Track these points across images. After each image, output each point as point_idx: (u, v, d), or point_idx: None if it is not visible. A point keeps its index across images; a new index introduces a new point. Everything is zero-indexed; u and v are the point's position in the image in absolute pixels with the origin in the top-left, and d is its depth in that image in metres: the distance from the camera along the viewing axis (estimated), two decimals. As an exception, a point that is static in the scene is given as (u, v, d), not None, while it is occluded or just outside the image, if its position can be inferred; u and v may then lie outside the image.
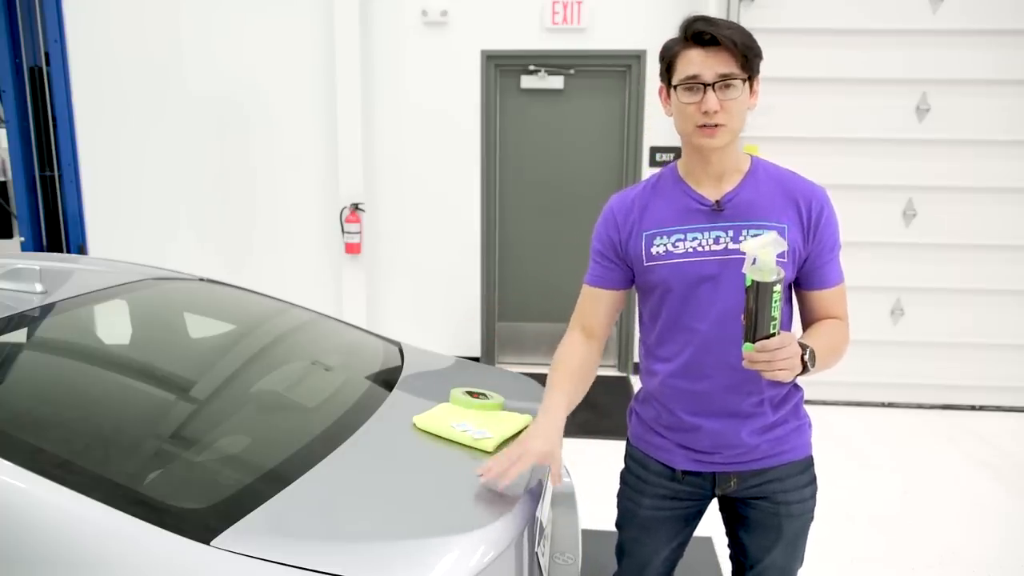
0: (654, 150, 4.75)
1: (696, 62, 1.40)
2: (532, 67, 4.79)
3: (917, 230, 4.45)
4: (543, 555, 1.64)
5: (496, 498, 1.41)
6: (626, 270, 1.58)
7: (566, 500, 2.12)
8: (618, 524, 1.76)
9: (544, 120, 4.91)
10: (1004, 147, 4.33)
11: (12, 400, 1.57)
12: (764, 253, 1.26)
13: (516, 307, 5.17)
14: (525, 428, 1.71)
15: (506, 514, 1.36)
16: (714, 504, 1.70)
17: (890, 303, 4.53)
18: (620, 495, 1.74)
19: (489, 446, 1.59)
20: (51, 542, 1.21)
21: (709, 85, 1.39)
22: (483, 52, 4.75)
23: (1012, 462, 3.82)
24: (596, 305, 1.62)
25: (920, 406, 4.57)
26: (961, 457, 3.88)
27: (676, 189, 1.53)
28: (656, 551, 1.68)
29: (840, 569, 2.82)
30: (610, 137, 4.89)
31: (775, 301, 1.28)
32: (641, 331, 1.65)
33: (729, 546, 1.74)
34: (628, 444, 1.74)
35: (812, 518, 1.65)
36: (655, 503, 1.65)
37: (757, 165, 1.53)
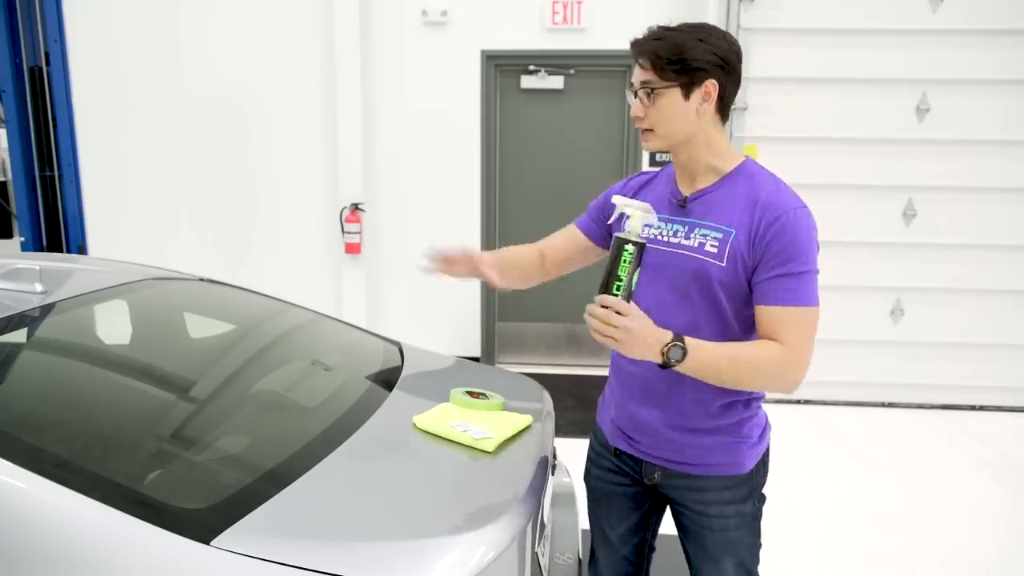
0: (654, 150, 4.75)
1: (635, 70, 1.52)
2: (532, 67, 4.79)
3: (917, 230, 4.46)
4: (543, 555, 1.64)
5: (496, 498, 1.41)
6: (606, 234, 1.67)
7: (566, 500, 2.13)
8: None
9: (544, 120, 4.91)
10: (1004, 147, 4.33)
11: (12, 400, 1.57)
12: (633, 215, 1.33)
13: (516, 307, 5.17)
14: (526, 428, 1.72)
15: (506, 514, 1.36)
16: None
17: (890, 303, 4.53)
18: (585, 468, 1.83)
19: (489, 446, 1.59)
20: (51, 542, 1.20)
21: (635, 92, 1.50)
22: (483, 52, 4.74)
23: (1012, 462, 3.83)
24: (565, 239, 1.82)
25: (920, 406, 4.57)
26: (961, 457, 3.88)
27: (668, 179, 1.61)
28: (611, 525, 1.74)
29: (841, 569, 2.82)
30: (610, 137, 4.89)
31: (624, 262, 1.31)
32: None
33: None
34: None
35: (739, 539, 1.58)
36: (601, 474, 1.75)
37: (743, 169, 1.49)
